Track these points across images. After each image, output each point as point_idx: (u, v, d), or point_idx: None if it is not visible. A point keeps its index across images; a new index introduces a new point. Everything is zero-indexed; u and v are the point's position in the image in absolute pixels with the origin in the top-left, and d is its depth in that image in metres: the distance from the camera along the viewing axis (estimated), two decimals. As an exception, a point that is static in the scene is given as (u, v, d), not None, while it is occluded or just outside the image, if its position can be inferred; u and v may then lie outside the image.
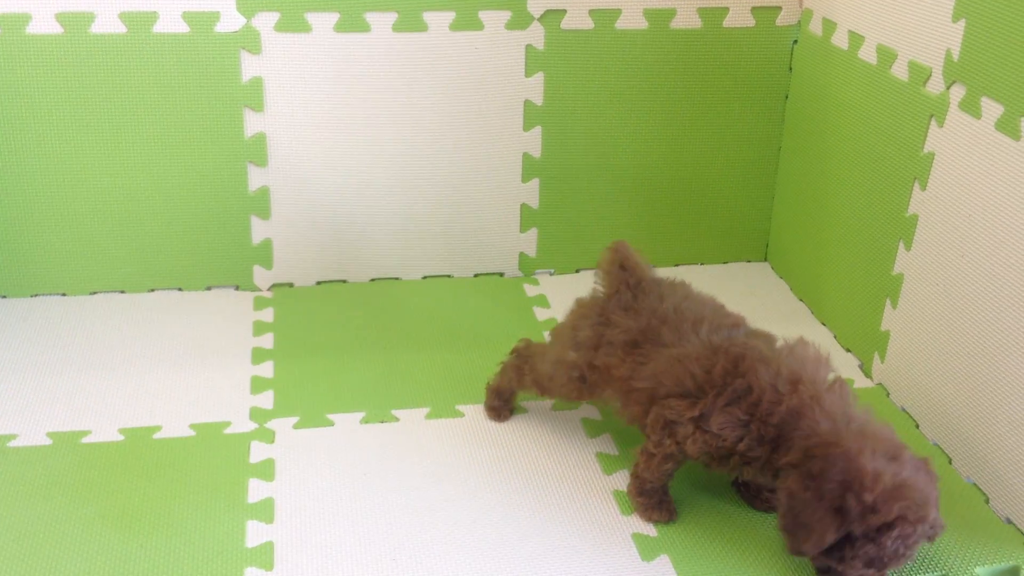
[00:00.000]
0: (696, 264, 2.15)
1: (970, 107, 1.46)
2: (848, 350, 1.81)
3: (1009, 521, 1.38)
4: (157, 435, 1.56)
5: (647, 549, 1.34)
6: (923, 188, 1.57)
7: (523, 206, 2.05)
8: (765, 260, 2.16)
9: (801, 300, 2.00)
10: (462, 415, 1.62)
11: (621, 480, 1.47)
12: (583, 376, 1.41)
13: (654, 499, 1.37)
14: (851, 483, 1.14)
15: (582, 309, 1.45)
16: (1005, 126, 1.40)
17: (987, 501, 1.42)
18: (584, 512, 1.41)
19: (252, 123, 1.90)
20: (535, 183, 2.03)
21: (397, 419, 1.61)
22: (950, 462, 1.50)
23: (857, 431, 1.20)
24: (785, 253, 2.08)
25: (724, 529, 1.37)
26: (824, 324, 1.90)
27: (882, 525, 1.13)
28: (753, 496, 1.40)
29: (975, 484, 1.45)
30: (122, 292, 1.97)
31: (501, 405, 1.60)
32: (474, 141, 1.98)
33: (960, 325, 1.49)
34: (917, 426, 1.59)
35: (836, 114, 1.82)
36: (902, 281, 1.63)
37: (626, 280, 1.41)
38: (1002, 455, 1.40)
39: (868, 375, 1.73)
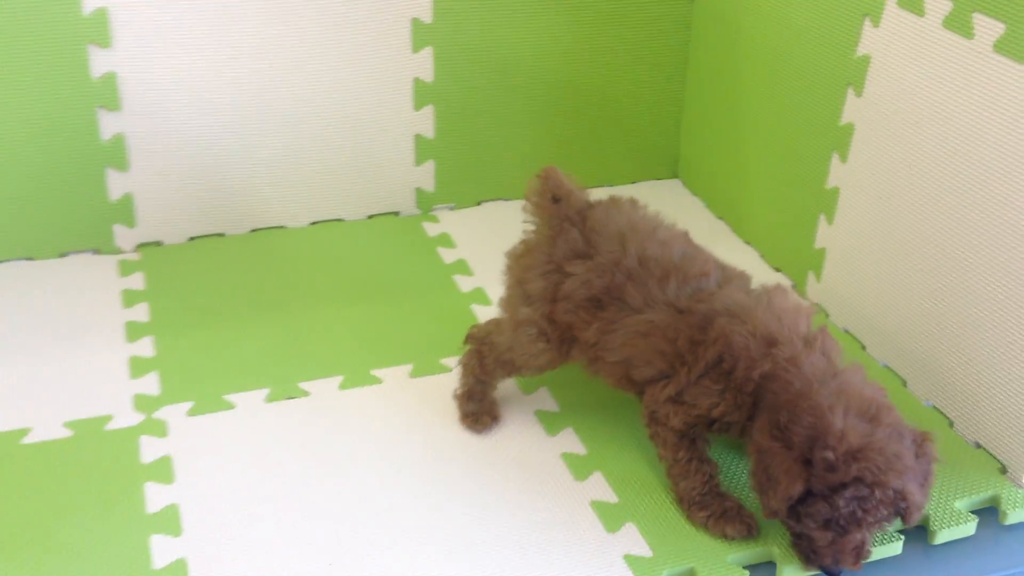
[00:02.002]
0: (605, 186, 2.00)
1: (911, 4, 1.35)
2: (777, 269, 1.71)
3: (979, 445, 1.31)
4: (26, 439, 1.34)
5: (610, 519, 1.22)
6: (858, 94, 1.46)
7: (417, 137, 1.85)
8: (675, 177, 2.04)
9: (720, 218, 1.88)
10: (380, 381, 1.45)
11: (567, 440, 1.34)
12: (544, 332, 1.26)
13: (715, 508, 1.20)
14: (816, 438, 1.07)
15: (525, 258, 1.29)
16: (955, 23, 1.28)
17: (951, 425, 1.35)
18: (536, 479, 1.27)
19: (99, 61, 1.64)
20: (429, 111, 1.84)
21: (307, 393, 1.43)
22: (904, 384, 1.43)
23: (836, 389, 1.10)
24: (698, 169, 1.95)
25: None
26: (748, 243, 1.79)
27: (837, 484, 1.06)
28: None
29: (936, 407, 1.38)
30: (-40, 268, 1.71)
31: (478, 409, 1.36)
32: (357, 67, 1.77)
33: (905, 239, 1.40)
34: (863, 348, 1.50)
35: (750, 16, 1.68)
36: (838, 195, 1.53)
37: (566, 215, 1.26)
38: (964, 375, 1.32)
39: (803, 295, 1.63)
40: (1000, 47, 1.23)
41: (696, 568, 1.15)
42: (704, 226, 1.87)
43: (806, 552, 1.12)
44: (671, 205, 1.91)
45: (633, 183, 2.02)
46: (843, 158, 1.50)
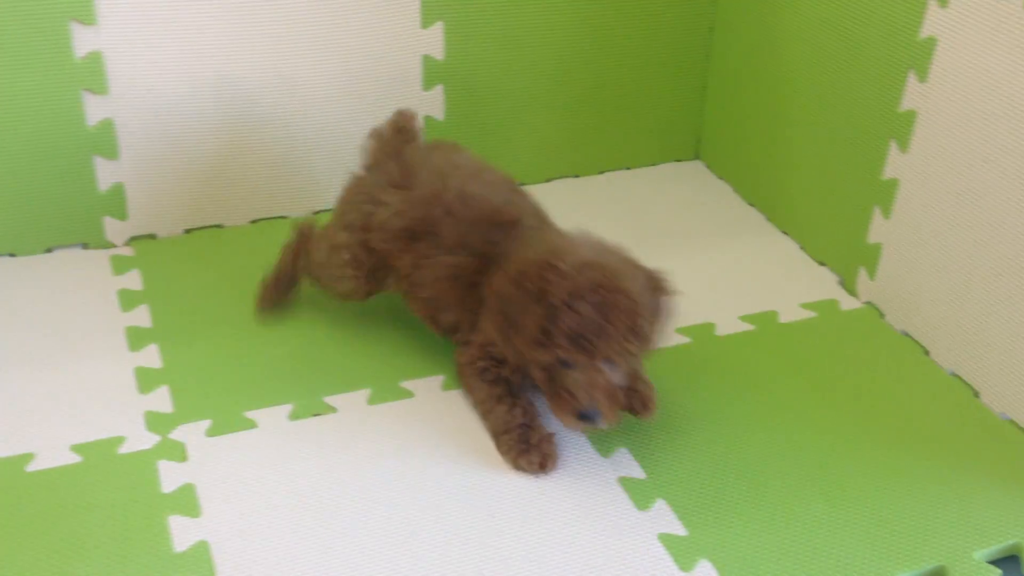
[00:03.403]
0: (623, 169, 1.90)
1: (988, -17, 1.25)
2: (822, 263, 1.61)
3: (1059, 462, 1.24)
4: (31, 466, 1.21)
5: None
6: (922, 80, 1.36)
7: (426, 118, 1.72)
8: (697, 158, 1.93)
9: (751, 205, 1.78)
10: (411, 394, 1.34)
11: (621, 461, 1.24)
12: (357, 259, 1.32)
13: (517, 442, 1.22)
14: (548, 262, 1.12)
15: (348, 190, 1.36)
16: (1041, 7, 1.19)
17: (1031, 438, 1.28)
18: (588, 503, 1.17)
19: (83, 40, 1.49)
20: (439, 91, 1.71)
21: (334, 409, 1.31)
22: (977, 395, 1.34)
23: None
24: (724, 150, 1.85)
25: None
26: (786, 233, 1.69)
27: (576, 292, 1.09)
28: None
29: (1013, 421, 1.30)
30: (-64, 268, 1.55)
31: (274, 293, 1.44)
32: (364, 44, 1.63)
33: (975, 237, 1.31)
34: (927, 352, 1.42)
35: (793, -8, 1.57)
36: (896, 187, 1.43)
37: (386, 149, 1.34)
38: (1042, 384, 1.25)
39: (852, 293, 1.54)
40: (1098, 35, 1.14)
41: None
42: (734, 213, 1.77)
43: (562, 397, 1.12)
44: (698, 189, 1.84)
45: (653, 164, 1.91)
46: (903, 147, 1.41)
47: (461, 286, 1.25)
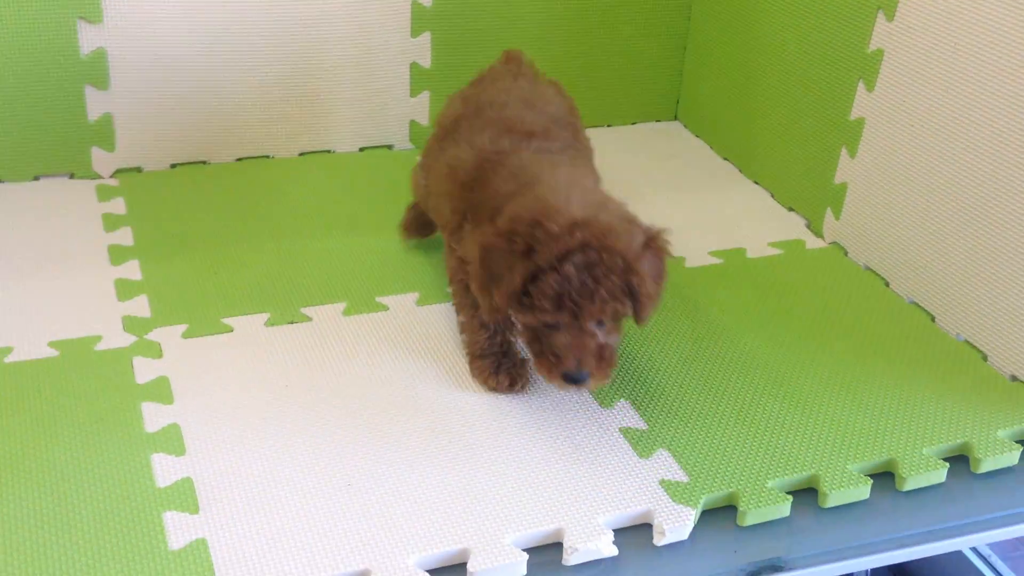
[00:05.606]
0: (602, 126, 1.94)
1: (950, -79, 1.30)
2: (791, 208, 1.66)
3: (1015, 378, 1.27)
4: (8, 358, 1.23)
5: (642, 445, 1.15)
6: (889, 18, 1.41)
7: (413, 65, 1.77)
8: (675, 119, 1.98)
9: (726, 159, 1.83)
10: (386, 308, 1.37)
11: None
12: (422, 166, 1.36)
13: (490, 363, 1.23)
14: (538, 220, 1.07)
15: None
16: (1001, -61, 1.24)
17: (985, 359, 1.31)
18: (558, 405, 1.20)
19: (80, -33, 1.54)
20: (426, 37, 1.76)
21: (309, 318, 1.34)
22: (933, 320, 1.38)
23: (564, 191, 1.12)
24: (701, 110, 1.90)
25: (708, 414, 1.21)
26: (758, 183, 1.74)
27: (563, 252, 1.05)
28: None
29: (968, 341, 1.33)
30: (-75, 187, 1.59)
31: (410, 220, 1.49)
32: (355, -11, 1.68)
33: (936, 170, 1.35)
34: (887, 284, 1.46)
35: (769, -54, 1.63)
36: (863, 126, 1.48)
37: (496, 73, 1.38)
38: (997, 307, 1.28)
39: (819, 234, 1.58)
40: (1052, -39, 1.18)
41: (738, 492, 1.09)
42: (708, 166, 1.81)
43: (547, 358, 1.09)
44: (675, 146, 1.88)
45: (632, 123, 1.96)
46: (869, 87, 1.45)
47: (455, 182, 1.23)
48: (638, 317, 1.09)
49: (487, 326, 1.23)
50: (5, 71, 1.56)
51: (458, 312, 1.28)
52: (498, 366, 1.23)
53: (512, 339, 1.25)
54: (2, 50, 1.55)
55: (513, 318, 1.17)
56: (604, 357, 1.09)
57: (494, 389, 1.22)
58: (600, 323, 1.09)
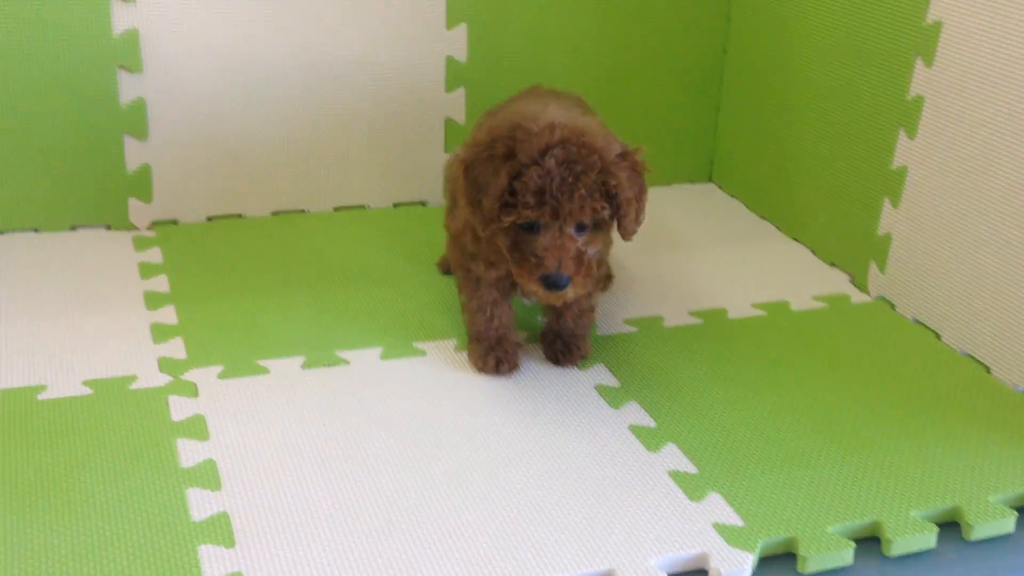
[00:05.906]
0: (637, 186, 1.93)
1: (993, -31, 1.30)
2: (832, 264, 1.63)
3: (1076, 427, 1.23)
4: (42, 395, 1.21)
5: (692, 488, 1.11)
6: (928, 64, 1.40)
7: (447, 121, 1.77)
8: (710, 181, 1.97)
9: (763, 218, 1.81)
10: (423, 353, 1.34)
11: (633, 413, 1.24)
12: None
13: (484, 346, 1.29)
14: (517, 123, 1.13)
15: None
16: (1046, -17, 1.24)
17: (1043, 407, 1.27)
18: (603, 449, 1.16)
19: (122, 17, 1.56)
20: (460, 93, 1.76)
21: (346, 361, 1.32)
22: (988, 371, 1.34)
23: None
24: (735, 169, 1.89)
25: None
26: (797, 240, 1.72)
27: (543, 148, 1.10)
28: (556, 350, 1.33)
29: (1025, 391, 1.29)
30: (-38, 234, 1.58)
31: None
32: (389, 41, 1.69)
33: (985, 217, 1.33)
34: (938, 336, 1.42)
35: None
36: (905, 174, 1.46)
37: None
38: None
39: (863, 288, 1.55)
40: (1101, 2, 1.18)
41: (797, 538, 1.04)
42: (745, 225, 1.79)
43: (528, 261, 1.12)
44: (707, 206, 1.87)
45: (667, 184, 1.95)
46: (911, 134, 1.44)
47: (457, 165, 1.22)
48: (621, 225, 1.14)
49: (484, 309, 1.28)
50: (46, 118, 1.57)
51: (460, 292, 1.33)
52: (489, 349, 1.28)
53: (509, 323, 1.30)
54: (41, 98, 1.56)
55: (495, 235, 1.17)
56: (584, 263, 1.13)
57: (482, 370, 1.28)
58: (581, 229, 1.13)
